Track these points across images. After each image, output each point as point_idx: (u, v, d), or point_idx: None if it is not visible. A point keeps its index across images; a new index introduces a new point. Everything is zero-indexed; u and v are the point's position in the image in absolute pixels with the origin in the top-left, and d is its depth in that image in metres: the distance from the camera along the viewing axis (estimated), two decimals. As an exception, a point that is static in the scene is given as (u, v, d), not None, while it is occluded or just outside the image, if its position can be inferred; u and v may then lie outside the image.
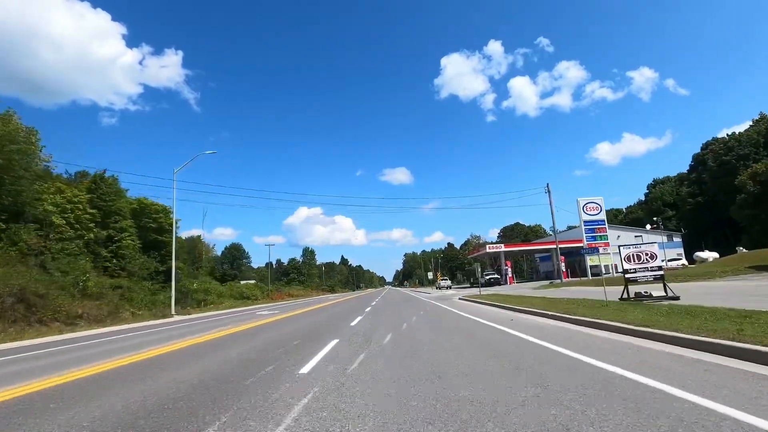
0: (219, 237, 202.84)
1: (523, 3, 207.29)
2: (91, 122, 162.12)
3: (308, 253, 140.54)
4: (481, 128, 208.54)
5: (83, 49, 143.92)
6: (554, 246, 54.68)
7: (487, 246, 51.71)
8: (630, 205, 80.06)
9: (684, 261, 46.82)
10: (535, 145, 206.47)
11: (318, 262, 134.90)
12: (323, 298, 48.28)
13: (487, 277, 48.27)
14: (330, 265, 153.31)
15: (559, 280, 31.40)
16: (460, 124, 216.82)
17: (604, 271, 41.42)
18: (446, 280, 55.36)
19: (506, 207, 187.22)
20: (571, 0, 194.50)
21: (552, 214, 32.81)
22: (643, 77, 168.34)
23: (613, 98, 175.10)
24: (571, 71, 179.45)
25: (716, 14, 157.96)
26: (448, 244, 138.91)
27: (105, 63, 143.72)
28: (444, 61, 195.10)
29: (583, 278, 32.94)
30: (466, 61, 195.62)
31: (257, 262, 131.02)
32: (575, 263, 59.32)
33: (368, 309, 18.08)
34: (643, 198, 79.49)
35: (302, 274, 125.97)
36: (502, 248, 51.16)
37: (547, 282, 40.06)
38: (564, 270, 51.14)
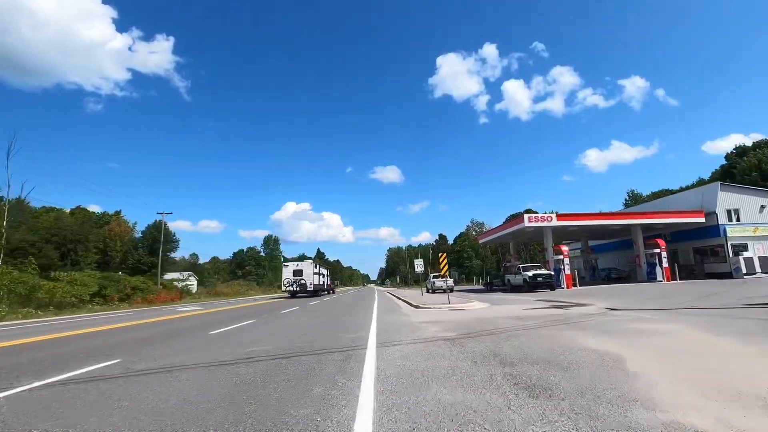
0: (203, 230, 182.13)
1: (520, 8, 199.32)
2: (76, 107, 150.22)
3: (271, 242, 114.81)
4: (474, 129, 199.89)
5: (71, 31, 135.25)
6: (640, 220, 29.50)
7: (526, 217, 28.56)
8: (700, 179, 57.81)
9: None
10: (525, 148, 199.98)
11: (293, 256, 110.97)
12: (228, 302, 25.42)
13: (530, 273, 25.08)
14: (300, 259, 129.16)
15: None
16: (453, 124, 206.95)
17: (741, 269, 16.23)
18: (446, 279, 30.89)
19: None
20: (567, 7, 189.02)
21: None
22: (634, 86, 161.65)
23: (605, 105, 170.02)
24: (565, 77, 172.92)
25: (707, 27, 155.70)
26: (440, 235, 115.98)
27: (93, 46, 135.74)
28: (439, 60, 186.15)
29: None
30: (462, 61, 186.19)
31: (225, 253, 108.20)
32: (687, 253, 32.81)
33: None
34: (705, 175, 57.87)
35: (262, 267, 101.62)
36: (553, 221, 27.96)
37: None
38: (666, 266, 28.55)
